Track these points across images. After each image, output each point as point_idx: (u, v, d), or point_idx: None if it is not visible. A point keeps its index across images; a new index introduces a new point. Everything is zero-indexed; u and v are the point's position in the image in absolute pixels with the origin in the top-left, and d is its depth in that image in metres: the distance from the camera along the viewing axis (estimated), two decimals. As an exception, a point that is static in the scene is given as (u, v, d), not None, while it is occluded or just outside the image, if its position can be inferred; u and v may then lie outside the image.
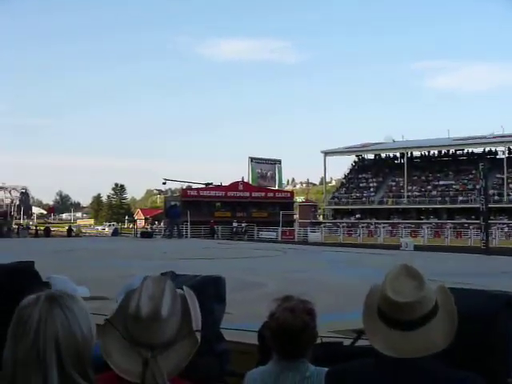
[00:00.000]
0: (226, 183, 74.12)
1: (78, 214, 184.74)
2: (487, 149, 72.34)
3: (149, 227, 75.09)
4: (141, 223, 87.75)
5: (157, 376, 2.29)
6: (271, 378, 2.90)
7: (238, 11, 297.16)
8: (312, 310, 2.96)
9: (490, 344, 3.00)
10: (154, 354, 2.33)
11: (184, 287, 2.58)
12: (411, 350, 2.41)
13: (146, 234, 51.99)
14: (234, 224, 65.22)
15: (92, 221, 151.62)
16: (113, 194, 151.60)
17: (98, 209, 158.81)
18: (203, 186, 72.92)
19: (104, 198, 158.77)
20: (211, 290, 4.07)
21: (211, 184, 73.26)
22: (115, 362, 2.36)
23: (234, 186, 72.47)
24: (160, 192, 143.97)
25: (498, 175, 66.31)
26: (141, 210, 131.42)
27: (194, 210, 61.70)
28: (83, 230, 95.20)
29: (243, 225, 65.03)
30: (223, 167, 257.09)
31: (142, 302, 2.38)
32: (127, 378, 2.33)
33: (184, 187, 77.73)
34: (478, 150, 73.07)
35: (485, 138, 72.59)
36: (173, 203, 54.85)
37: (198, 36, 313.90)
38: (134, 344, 2.36)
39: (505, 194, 64.15)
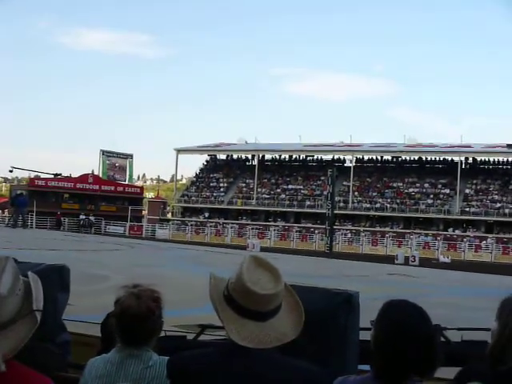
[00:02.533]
0: (76, 175, 72.87)
1: None
2: (336, 156, 74.13)
3: (-8, 215, 72.57)
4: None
5: None
6: (114, 365, 2.85)
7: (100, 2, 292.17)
8: (158, 298, 2.92)
9: (331, 334, 3.17)
10: None
11: (28, 273, 2.51)
12: (267, 340, 2.49)
13: (-12, 222, 50.35)
14: (82, 216, 64.12)
15: None
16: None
17: None
18: (52, 176, 71.08)
19: None
20: (55, 279, 3.99)
21: (60, 175, 71.66)
22: None
23: (84, 178, 71.35)
24: (6, 180, 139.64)
25: (345, 183, 68.30)
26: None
27: (40, 201, 59.97)
28: None
29: (91, 218, 63.93)
30: (74, 159, 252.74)
31: None
32: None
33: (32, 176, 75.77)
34: (327, 157, 74.68)
35: (334, 145, 74.59)
36: (19, 192, 53.12)
37: (59, 24, 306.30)
38: None
39: (350, 201, 66.27)
